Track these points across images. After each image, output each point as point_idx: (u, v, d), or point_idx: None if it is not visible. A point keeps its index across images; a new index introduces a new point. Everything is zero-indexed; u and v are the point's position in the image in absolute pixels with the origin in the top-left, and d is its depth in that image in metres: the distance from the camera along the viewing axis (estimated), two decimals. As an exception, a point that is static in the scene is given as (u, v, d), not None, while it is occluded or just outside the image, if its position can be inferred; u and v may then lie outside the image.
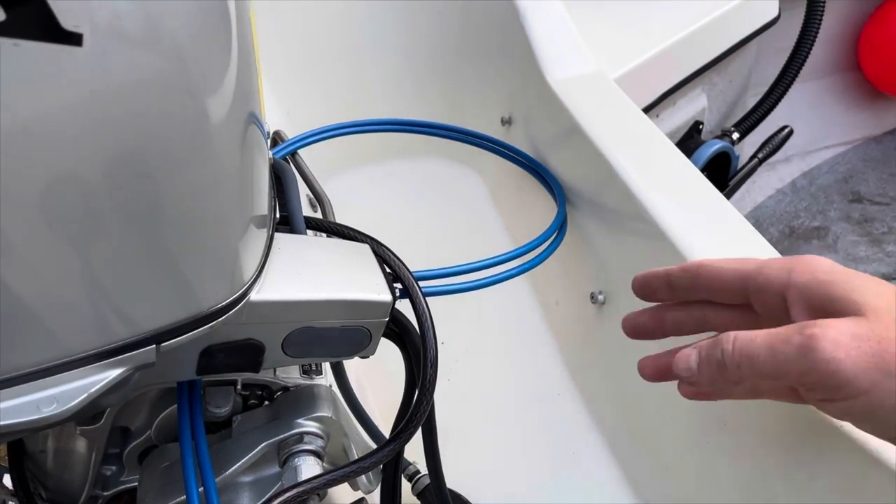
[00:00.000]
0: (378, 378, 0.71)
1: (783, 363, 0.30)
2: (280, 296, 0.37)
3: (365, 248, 0.45)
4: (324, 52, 0.94)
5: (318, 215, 0.68)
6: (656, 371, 0.41)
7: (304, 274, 0.39)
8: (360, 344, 0.42)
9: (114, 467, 0.49)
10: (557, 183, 0.69)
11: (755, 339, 0.32)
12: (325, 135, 0.68)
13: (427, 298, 0.45)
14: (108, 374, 0.32)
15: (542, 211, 0.75)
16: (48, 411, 0.31)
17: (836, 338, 0.29)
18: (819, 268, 0.33)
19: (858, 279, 0.32)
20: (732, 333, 0.33)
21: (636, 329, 0.43)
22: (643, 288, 0.42)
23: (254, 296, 0.36)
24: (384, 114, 0.76)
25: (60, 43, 0.24)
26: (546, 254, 0.59)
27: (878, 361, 0.28)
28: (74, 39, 0.24)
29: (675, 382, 0.40)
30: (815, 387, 0.30)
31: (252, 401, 0.48)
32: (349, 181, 0.92)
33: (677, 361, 0.36)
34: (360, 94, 0.94)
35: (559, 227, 0.63)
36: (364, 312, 0.41)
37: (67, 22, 0.24)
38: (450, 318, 0.69)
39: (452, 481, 0.51)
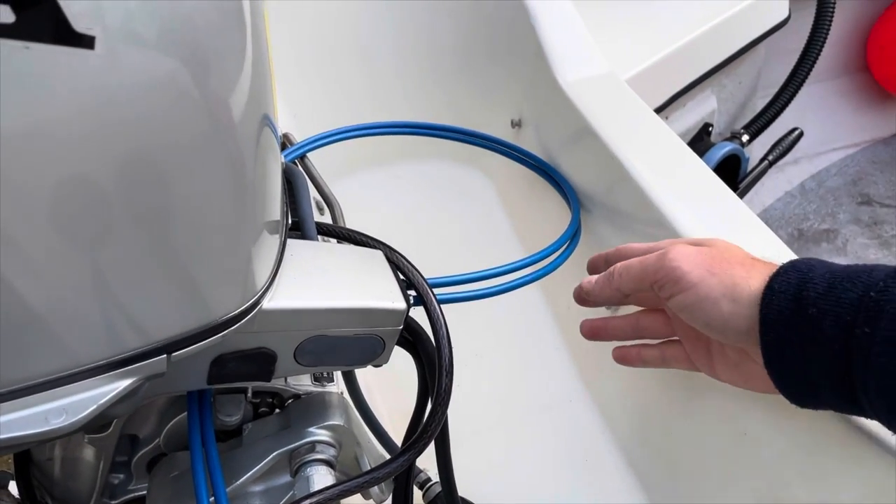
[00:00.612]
0: (387, 383, 0.71)
1: (646, 267, 0.43)
2: (293, 304, 0.37)
3: (378, 255, 0.45)
4: (332, 53, 0.93)
5: (327, 218, 0.67)
6: (590, 330, 0.52)
7: (317, 281, 0.39)
8: (374, 352, 0.42)
9: (122, 475, 0.49)
10: (571, 188, 0.68)
11: (633, 260, 0.45)
12: (334, 137, 0.68)
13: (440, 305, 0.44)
14: (118, 385, 0.31)
15: (553, 214, 0.74)
16: (57, 423, 0.30)
17: (680, 250, 0.42)
18: (692, 237, 0.47)
19: (713, 239, 0.45)
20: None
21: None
22: (591, 265, 0.53)
23: (266, 304, 0.36)
24: (392, 116, 0.75)
25: (72, 46, 0.23)
26: (560, 260, 0.58)
27: (706, 266, 0.40)
28: (86, 42, 0.23)
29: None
30: (663, 282, 0.42)
31: (263, 409, 0.47)
32: (357, 184, 0.91)
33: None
34: (369, 96, 0.93)
35: (573, 234, 0.62)
36: (378, 320, 0.40)
37: (79, 24, 0.23)
38: (460, 322, 0.68)
39: (463, 487, 0.50)
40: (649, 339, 0.49)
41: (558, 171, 0.71)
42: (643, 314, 0.49)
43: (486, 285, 0.53)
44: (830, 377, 0.35)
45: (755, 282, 0.39)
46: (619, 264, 0.46)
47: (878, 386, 0.33)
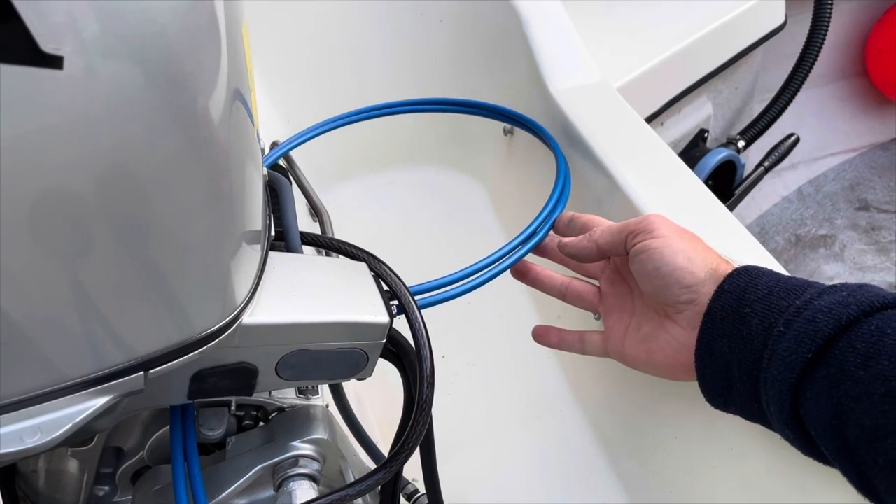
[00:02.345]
0: (378, 393, 0.70)
1: (627, 223, 0.48)
2: (273, 318, 0.36)
3: (362, 267, 0.44)
4: (324, 61, 0.93)
5: (318, 225, 0.67)
6: (518, 269, 0.56)
7: (299, 295, 0.38)
8: (357, 366, 0.41)
9: (107, 487, 0.48)
10: (555, 142, 0.64)
11: (614, 223, 0.50)
12: (317, 131, 0.67)
13: (427, 313, 0.44)
14: (93, 403, 0.31)
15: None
16: (31, 442, 0.30)
17: (659, 215, 0.47)
18: None
19: None
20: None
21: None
22: (557, 220, 0.56)
23: (246, 319, 0.35)
24: (384, 121, 0.75)
25: (39, 66, 0.23)
26: (548, 226, 0.55)
27: (677, 230, 0.46)
28: (55, 63, 0.23)
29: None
30: (638, 231, 0.46)
31: (247, 421, 0.47)
32: (349, 191, 0.91)
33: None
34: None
35: (560, 191, 0.58)
36: (361, 334, 0.40)
37: (47, 45, 0.23)
38: (451, 331, 0.68)
39: (452, 497, 0.50)
40: (572, 300, 0.54)
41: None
42: (576, 282, 0.54)
43: (473, 279, 0.52)
44: (744, 372, 0.39)
45: (711, 256, 0.44)
46: (597, 227, 0.51)
47: (775, 377, 0.36)
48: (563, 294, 0.55)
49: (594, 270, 0.54)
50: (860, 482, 0.35)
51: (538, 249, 0.55)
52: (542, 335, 0.56)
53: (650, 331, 0.47)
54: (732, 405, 0.41)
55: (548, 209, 0.56)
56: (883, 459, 0.32)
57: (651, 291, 0.46)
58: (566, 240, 0.52)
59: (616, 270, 0.52)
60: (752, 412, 0.40)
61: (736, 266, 0.43)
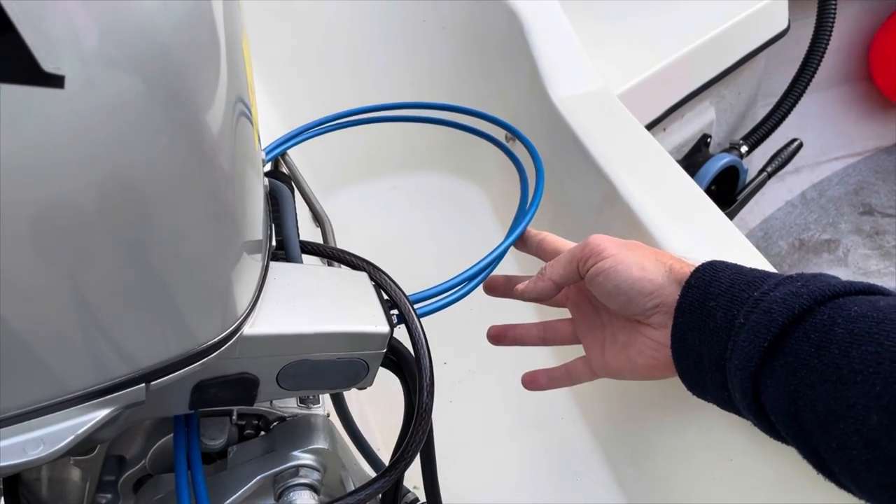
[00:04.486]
0: (381, 400, 0.71)
1: (573, 251, 0.49)
2: (274, 329, 0.37)
3: (362, 277, 0.45)
4: (327, 67, 0.93)
5: (320, 231, 0.67)
6: (496, 335, 0.57)
7: (300, 306, 0.39)
8: (357, 375, 0.42)
9: (109, 495, 0.48)
10: (530, 141, 0.63)
11: (559, 256, 0.51)
12: (305, 136, 0.67)
13: (430, 320, 0.44)
14: (96, 415, 0.31)
15: (547, 224, 0.73)
16: (34, 454, 0.30)
17: (600, 235, 0.48)
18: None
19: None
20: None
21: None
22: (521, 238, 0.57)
23: (247, 330, 0.36)
24: (387, 127, 0.75)
25: (40, 86, 0.23)
26: (528, 219, 0.56)
27: (624, 245, 0.47)
28: (55, 82, 0.23)
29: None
30: (588, 256, 0.47)
31: (248, 431, 0.47)
32: (352, 196, 0.91)
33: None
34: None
35: (535, 195, 0.58)
36: (361, 344, 0.40)
37: (48, 64, 0.23)
38: (454, 338, 0.68)
39: (452, 507, 0.50)
40: (553, 339, 0.54)
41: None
42: (551, 321, 0.55)
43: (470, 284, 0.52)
44: (713, 363, 0.41)
45: (663, 258, 0.46)
46: (546, 264, 0.52)
47: (736, 367, 0.38)
48: (543, 339, 0.55)
49: (560, 299, 0.54)
50: (818, 464, 0.36)
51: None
52: (532, 381, 0.56)
53: (627, 338, 0.48)
54: (708, 394, 0.43)
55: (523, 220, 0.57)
56: (836, 443, 0.34)
57: (617, 308, 0.47)
58: (521, 287, 0.53)
59: (578, 291, 0.53)
60: (724, 400, 0.42)
61: (690, 263, 0.45)
